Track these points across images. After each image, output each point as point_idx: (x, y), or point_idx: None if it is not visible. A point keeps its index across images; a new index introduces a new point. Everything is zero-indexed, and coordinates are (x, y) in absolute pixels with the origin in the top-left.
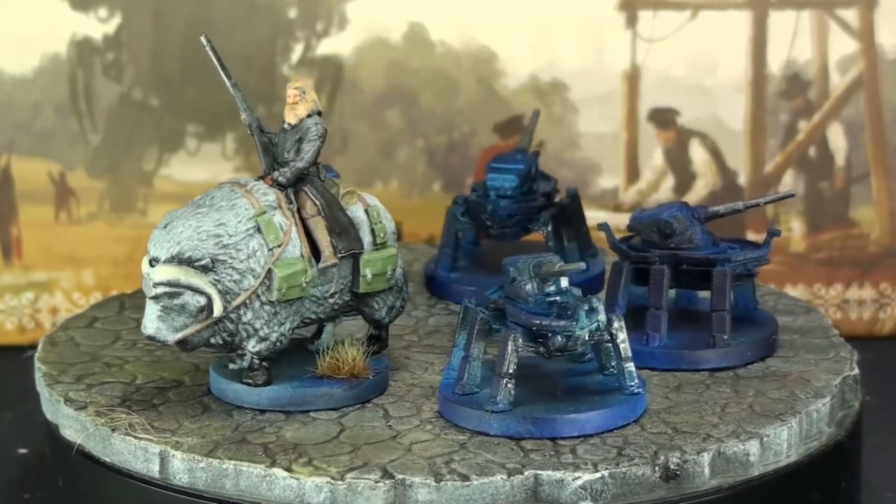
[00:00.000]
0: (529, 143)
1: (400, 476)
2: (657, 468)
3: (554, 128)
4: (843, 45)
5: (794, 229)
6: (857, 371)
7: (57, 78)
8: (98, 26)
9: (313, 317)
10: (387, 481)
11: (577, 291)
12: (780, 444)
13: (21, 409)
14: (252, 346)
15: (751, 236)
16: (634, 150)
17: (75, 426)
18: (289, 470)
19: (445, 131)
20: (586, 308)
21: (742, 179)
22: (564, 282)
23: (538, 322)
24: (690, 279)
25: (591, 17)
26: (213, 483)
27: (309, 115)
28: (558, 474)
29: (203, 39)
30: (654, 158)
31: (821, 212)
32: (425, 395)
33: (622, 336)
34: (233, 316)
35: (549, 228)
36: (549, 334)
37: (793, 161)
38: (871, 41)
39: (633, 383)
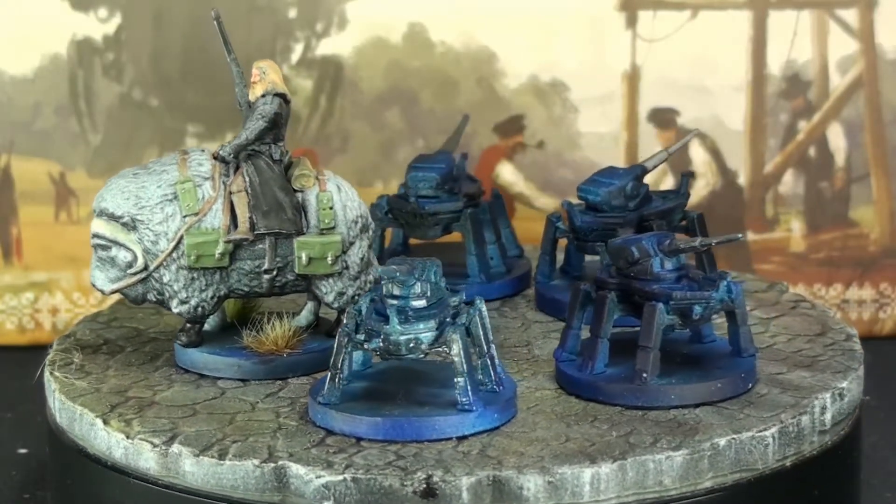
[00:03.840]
0: (659, 163)
1: (175, 445)
2: (410, 482)
3: (554, 128)
4: (843, 45)
5: (794, 229)
6: (769, 432)
7: (57, 78)
8: (98, 26)
9: (246, 290)
10: (163, 447)
11: (481, 303)
12: (581, 486)
13: (21, 409)
14: (175, 306)
15: (751, 237)
16: (634, 150)
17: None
18: (106, 423)
19: (445, 131)
20: (398, 314)
21: (742, 179)
22: (420, 287)
23: (370, 324)
24: (641, 310)
25: (591, 17)
26: (69, 425)
27: (263, 95)
28: (304, 470)
29: (213, 13)
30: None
31: (821, 212)
32: None
33: (455, 349)
34: (156, 275)
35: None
36: (375, 335)
37: (793, 161)
38: (871, 41)
39: (464, 399)
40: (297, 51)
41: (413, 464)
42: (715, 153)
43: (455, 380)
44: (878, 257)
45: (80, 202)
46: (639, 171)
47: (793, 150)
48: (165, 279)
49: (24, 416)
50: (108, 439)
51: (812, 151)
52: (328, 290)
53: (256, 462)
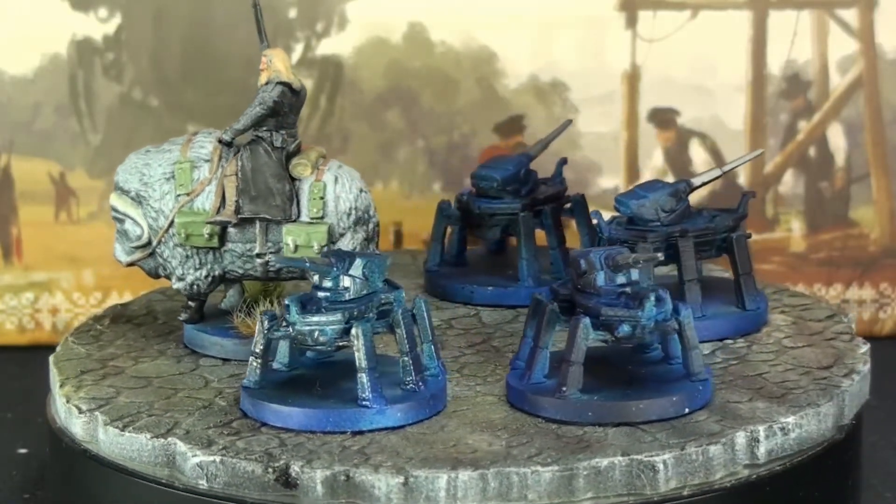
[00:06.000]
0: (709, 180)
1: (97, 412)
2: (272, 470)
3: (554, 128)
4: (843, 45)
5: (794, 229)
6: (660, 458)
7: (57, 78)
8: (98, 26)
9: (241, 272)
10: (88, 414)
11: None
12: (436, 491)
13: (21, 409)
14: (174, 282)
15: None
16: (634, 150)
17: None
18: (61, 386)
19: (445, 131)
20: (298, 305)
21: (742, 179)
22: (344, 280)
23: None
24: None
25: (591, 17)
26: (52, 387)
27: (267, 83)
28: (185, 447)
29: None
30: (653, 158)
31: (821, 212)
32: None
33: (357, 344)
34: (158, 251)
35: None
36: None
37: (793, 161)
38: (871, 41)
39: (363, 395)
40: (298, 51)
41: (285, 452)
42: (715, 153)
43: (357, 375)
44: (878, 257)
45: (80, 202)
46: (681, 186)
47: (793, 150)
48: (165, 255)
49: (24, 416)
50: (58, 402)
51: (812, 151)
52: None
53: (149, 436)
